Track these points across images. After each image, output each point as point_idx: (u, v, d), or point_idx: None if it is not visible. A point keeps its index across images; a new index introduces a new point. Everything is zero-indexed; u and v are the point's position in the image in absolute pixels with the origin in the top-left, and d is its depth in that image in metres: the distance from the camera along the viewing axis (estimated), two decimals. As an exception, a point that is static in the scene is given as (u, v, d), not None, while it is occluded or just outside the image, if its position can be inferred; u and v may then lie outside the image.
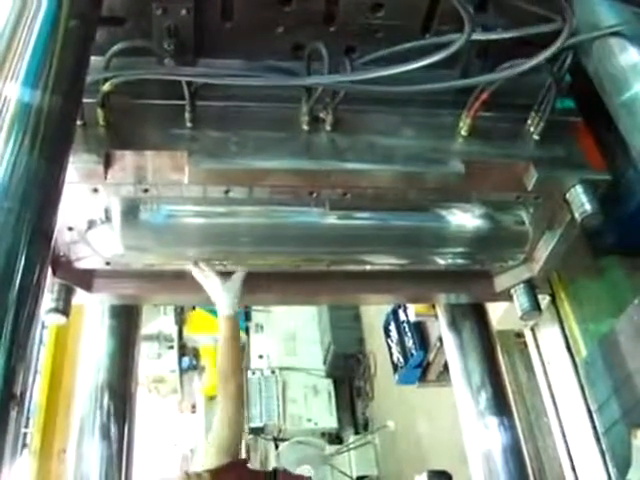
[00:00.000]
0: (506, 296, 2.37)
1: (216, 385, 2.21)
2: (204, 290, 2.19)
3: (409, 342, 4.68)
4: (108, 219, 1.91)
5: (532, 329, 2.61)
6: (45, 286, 1.16)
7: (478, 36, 1.75)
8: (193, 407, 8.58)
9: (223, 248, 2.15)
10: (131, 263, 2.16)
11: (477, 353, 2.62)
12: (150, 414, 7.55)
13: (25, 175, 1.11)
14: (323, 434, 7.52)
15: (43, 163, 1.15)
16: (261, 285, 2.32)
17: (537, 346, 2.59)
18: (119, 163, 1.75)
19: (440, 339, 3.82)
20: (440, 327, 2.87)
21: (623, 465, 1.96)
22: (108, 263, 2.10)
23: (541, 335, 2.57)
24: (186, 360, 8.42)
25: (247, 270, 2.21)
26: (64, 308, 2.10)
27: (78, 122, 1.65)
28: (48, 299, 2.07)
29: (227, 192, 1.86)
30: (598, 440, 2.18)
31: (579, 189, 1.87)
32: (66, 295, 2.11)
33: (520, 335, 2.79)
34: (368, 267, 2.32)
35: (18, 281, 1.05)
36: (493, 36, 1.79)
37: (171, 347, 8.24)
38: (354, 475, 7.01)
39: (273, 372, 7.58)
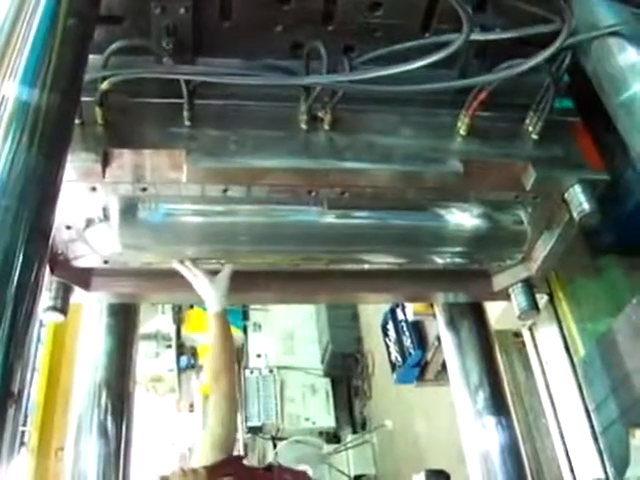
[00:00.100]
0: (504, 295, 2.37)
1: (208, 382, 2.22)
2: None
3: (407, 341, 4.69)
4: (106, 217, 1.91)
5: (530, 328, 2.61)
6: (43, 284, 1.15)
7: (477, 36, 1.75)
8: (191, 406, 8.58)
9: (221, 247, 2.15)
10: (129, 262, 2.16)
11: (475, 352, 2.62)
12: (148, 413, 7.55)
13: (23, 173, 1.11)
14: (321, 433, 7.53)
15: (41, 161, 1.15)
16: (259, 284, 2.32)
17: (535, 345, 2.60)
18: (117, 162, 1.75)
19: (438, 338, 3.84)
20: (438, 326, 2.87)
21: (621, 464, 1.96)
22: (106, 261, 2.10)
23: (539, 334, 2.57)
24: (184, 359, 8.42)
25: (234, 266, 2.21)
26: (62, 306, 2.10)
27: (76, 120, 1.65)
28: (46, 297, 2.07)
29: (225, 191, 1.86)
30: (596, 439, 2.18)
31: (577, 189, 1.87)
32: (64, 293, 2.11)
33: (518, 334, 2.79)
34: (366, 266, 2.32)
35: (16, 279, 1.05)
36: (492, 36, 1.79)
37: (169, 346, 8.24)
38: (352, 474, 7.02)
39: (271, 371, 7.58)
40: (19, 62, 1.20)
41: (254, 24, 1.83)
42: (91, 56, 1.46)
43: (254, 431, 7.29)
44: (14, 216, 1.08)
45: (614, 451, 2.07)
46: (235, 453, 2.41)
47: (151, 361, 8.03)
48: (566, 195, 1.90)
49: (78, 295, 2.20)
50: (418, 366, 4.72)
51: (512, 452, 2.46)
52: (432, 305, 3.11)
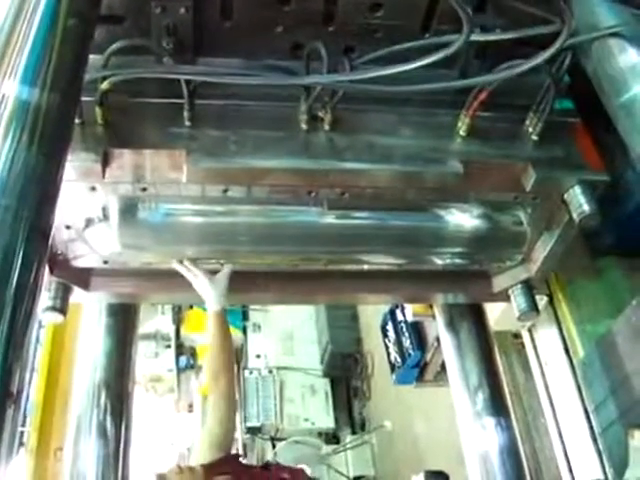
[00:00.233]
0: (504, 296, 2.37)
1: (207, 382, 2.23)
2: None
3: (406, 342, 4.69)
4: (106, 217, 1.91)
5: (529, 330, 2.61)
6: (42, 284, 1.15)
7: (477, 37, 1.75)
8: (190, 406, 8.56)
9: (221, 247, 2.15)
10: (129, 262, 2.16)
11: (474, 353, 2.62)
12: (147, 413, 7.54)
13: (23, 173, 1.11)
14: (320, 434, 7.52)
15: (41, 160, 1.15)
16: (259, 284, 2.32)
17: (534, 347, 2.59)
18: (117, 161, 1.75)
19: (437, 339, 3.83)
20: (438, 327, 2.87)
21: (620, 465, 1.96)
22: (106, 261, 2.10)
23: (538, 336, 2.57)
24: (183, 359, 8.41)
25: (233, 266, 2.21)
26: (61, 306, 2.10)
27: (76, 120, 1.65)
28: (45, 297, 2.07)
29: (225, 191, 1.86)
30: (595, 441, 2.18)
31: (577, 190, 1.87)
32: (63, 293, 2.11)
33: (518, 336, 2.78)
34: (366, 267, 2.32)
35: (15, 279, 1.05)
36: (492, 37, 1.79)
37: (168, 346, 8.23)
38: (351, 475, 7.01)
39: (270, 372, 7.57)
40: (19, 61, 1.20)
41: (255, 24, 1.83)
42: (91, 56, 1.46)
43: (253, 431, 7.28)
44: (14, 215, 1.08)
45: (613, 452, 2.07)
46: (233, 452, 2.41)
47: (150, 361, 8.02)
48: (566, 196, 1.90)
49: (77, 295, 2.19)
50: (417, 367, 4.72)
51: (511, 453, 2.46)
52: (431, 306, 3.11)
